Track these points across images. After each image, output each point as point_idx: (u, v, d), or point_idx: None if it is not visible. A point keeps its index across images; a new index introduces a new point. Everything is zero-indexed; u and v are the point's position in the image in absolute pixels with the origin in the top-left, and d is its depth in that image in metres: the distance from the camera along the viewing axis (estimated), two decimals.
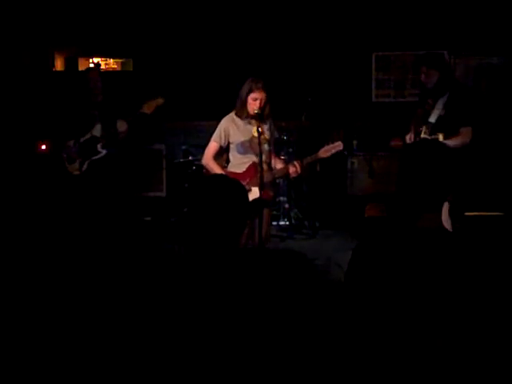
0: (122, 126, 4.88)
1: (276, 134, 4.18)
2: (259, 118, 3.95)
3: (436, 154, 1.77)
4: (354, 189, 6.61)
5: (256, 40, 7.00)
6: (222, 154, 4.19)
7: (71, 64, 7.23)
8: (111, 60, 7.47)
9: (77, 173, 5.00)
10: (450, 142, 4.25)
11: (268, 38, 6.99)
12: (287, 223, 6.47)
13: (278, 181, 6.42)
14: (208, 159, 4.10)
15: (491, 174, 6.23)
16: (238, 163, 4.05)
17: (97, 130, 4.99)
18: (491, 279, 1.67)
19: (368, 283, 1.70)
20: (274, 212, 6.50)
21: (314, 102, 6.65)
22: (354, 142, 6.87)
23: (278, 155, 5.24)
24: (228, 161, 4.18)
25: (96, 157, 4.99)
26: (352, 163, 6.68)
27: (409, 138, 4.70)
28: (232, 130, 4.04)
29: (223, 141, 4.05)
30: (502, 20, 6.69)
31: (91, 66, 7.27)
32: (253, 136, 4.01)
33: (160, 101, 4.83)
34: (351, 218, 6.39)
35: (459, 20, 6.80)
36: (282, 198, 6.53)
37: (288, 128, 6.62)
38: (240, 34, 7.02)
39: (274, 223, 6.44)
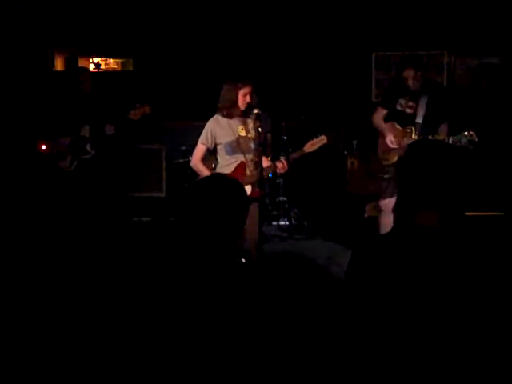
0: (109, 129, 5.11)
1: (263, 134, 4.14)
2: (251, 108, 3.95)
3: (441, 154, 1.77)
4: (354, 189, 6.60)
5: (256, 40, 7.00)
6: (210, 156, 4.20)
7: (71, 63, 7.24)
8: (111, 60, 7.49)
9: (68, 169, 5.23)
10: None
11: (268, 39, 6.99)
12: (287, 223, 6.47)
13: (277, 181, 6.44)
14: (196, 162, 4.11)
15: (491, 174, 6.23)
16: (226, 164, 4.04)
17: (85, 131, 5.23)
18: (491, 279, 1.67)
19: (368, 283, 1.70)
20: (274, 212, 6.50)
21: (314, 102, 6.64)
22: (354, 142, 6.86)
23: (277, 155, 5.22)
24: (216, 162, 4.18)
25: (85, 156, 5.22)
26: (352, 163, 6.67)
27: (390, 140, 4.74)
28: (218, 131, 4.05)
29: (210, 143, 4.06)
30: (502, 20, 6.68)
31: (91, 65, 7.29)
32: (239, 135, 4.03)
33: (147, 109, 4.99)
34: (351, 217, 6.38)
35: (459, 20, 6.80)
36: (282, 198, 6.53)
37: (288, 128, 6.62)
38: (240, 34, 7.01)
39: (274, 223, 6.44)
